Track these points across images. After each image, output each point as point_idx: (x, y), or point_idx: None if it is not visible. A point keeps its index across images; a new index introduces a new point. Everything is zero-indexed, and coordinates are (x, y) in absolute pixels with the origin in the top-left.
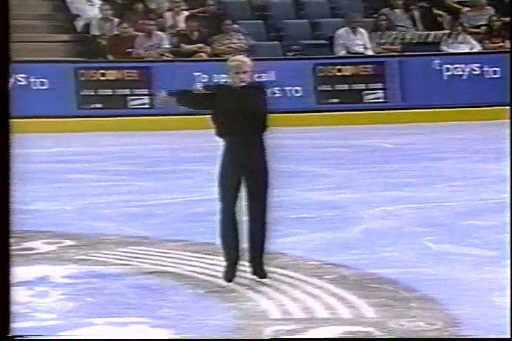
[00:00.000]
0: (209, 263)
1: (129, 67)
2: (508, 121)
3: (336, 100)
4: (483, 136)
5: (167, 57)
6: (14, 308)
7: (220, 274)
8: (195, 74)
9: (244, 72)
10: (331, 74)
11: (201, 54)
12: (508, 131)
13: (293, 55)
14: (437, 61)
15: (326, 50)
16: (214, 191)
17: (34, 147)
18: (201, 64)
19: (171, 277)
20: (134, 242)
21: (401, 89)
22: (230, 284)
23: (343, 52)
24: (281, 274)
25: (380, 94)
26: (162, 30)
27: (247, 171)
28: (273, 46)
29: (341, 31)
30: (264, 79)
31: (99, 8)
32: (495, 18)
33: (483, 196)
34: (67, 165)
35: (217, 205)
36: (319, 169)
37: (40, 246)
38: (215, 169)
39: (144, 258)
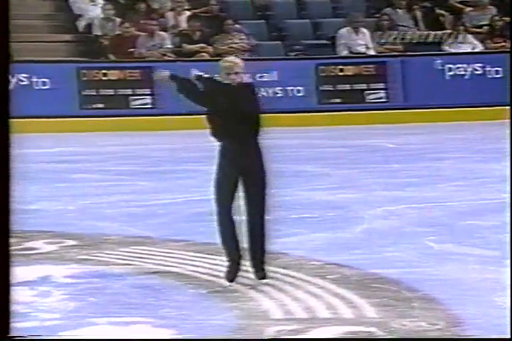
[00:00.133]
0: (211, 263)
1: (131, 67)
2: (508, 121)
3: (337, 100)
4: (485, 136)
5: (169, 57)
6: (16, 308)
7: (222, 274)
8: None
9: (236, 73)
10: (332, 74)
11: (203, 54)
12: (508, 131)
13: (295, 55)
14: (439, 61)
15: (328, 50)
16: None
17: (36, 147)
18: (203, 64)
19: (172, 277)
20: (136, 242)
21: (403, 89)
22: (232, 284)
23: (345, 52)
24: (283, 274)
25: (382, 94)
26: (164, 30)
27: (244, 172)
28: (275, 46)
29: (343, 31)
30: (266, 79)
31: (102, 8)
32: (497, 17)
33: (484, 196)
34: (68, 165)
35: (214, 206)
36: (321, 169)
37: (41, 246)
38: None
39: (146, 258)
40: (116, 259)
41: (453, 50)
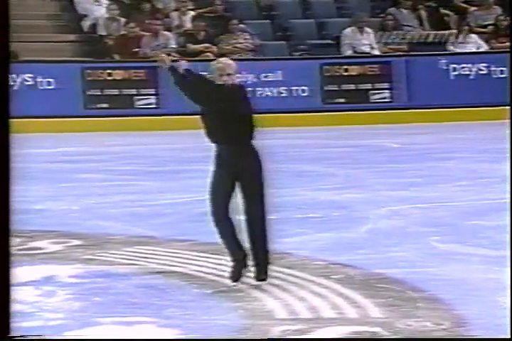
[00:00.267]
0: (215, 262)
1: (136, 66)
2: (508, 121)
3: (342, 100)
4: (489, 136)
5: (173, 57)
6: (21, 308)
7: (226, 274)
8: (202, 74)
9: (229, 75)
10: (337, 73)
11: (208, 54)
12: (508, 131)
13: (299, 55)
14: (444, 61)
15: (332, 50)
16: None
17: (40, 147)
18: (207, 64)
19: (177, 277)
20: (141, 242)
21: (407, 88)
22: (236, 284)
23: (349, 52)
24: (288, 274)
25: (387, 93)
26: (169, 30)
27: (239, 173)
28: (280, 46)
29: (348, 31)
30: (271, 79)
31: (106, 8)
32: (502, 17)
33: (488, 196)
34: (73, 165)
35: (209, 208)
36: (325, 169)
37: (46, 245)
38: None
39: (151, 258)
40: (120, 259)
41: (458, 50)
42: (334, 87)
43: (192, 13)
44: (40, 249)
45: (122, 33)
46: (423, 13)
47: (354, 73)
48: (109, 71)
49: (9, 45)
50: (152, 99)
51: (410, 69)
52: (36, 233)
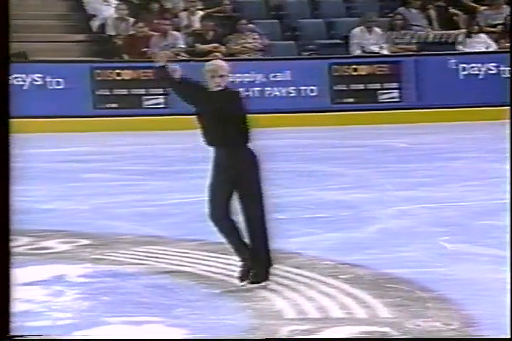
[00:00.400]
0: (224, 262)
1: (145, 66)
2: (508, 121)
3: (351, 100)
4: (499, 136)
5: (182, 56)
6: (30, 307)
7: (235, 274)
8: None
9: (220, 76)
10: (346, 73)
11: (216, 54)
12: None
13: (308, 55)
14: (453, 60)
15: (341, 50)
16: None
17: (50, 147)
18: None
19: (185, 276)
20: (149, 242)
21: (416, 88)
22: (244, 284)
23: (358, 52)
24: (296, 274)
25: (396, 93)
26: (177, 29)
27: (237, 175)
28: (288, 46)
29: (357, 31)
30: (280, 79)
31: (115, 8)
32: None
33: (498, 196)
34: (82, 165)
35: (207, 210)
36: (334, 169)
37: (55, 245)
38: None
39: (159, 258)
40: (129, 259)
41: (467, 50)
42: (343, 87)
43: (201, 12)
44: (48, 248)
45: (131, 32)
46: (432, 13)
47: (363, 73)
48: (118, 71)
49: (9, 45)
50: (161, 99)
51: (419, 69)
52: (45, 232)
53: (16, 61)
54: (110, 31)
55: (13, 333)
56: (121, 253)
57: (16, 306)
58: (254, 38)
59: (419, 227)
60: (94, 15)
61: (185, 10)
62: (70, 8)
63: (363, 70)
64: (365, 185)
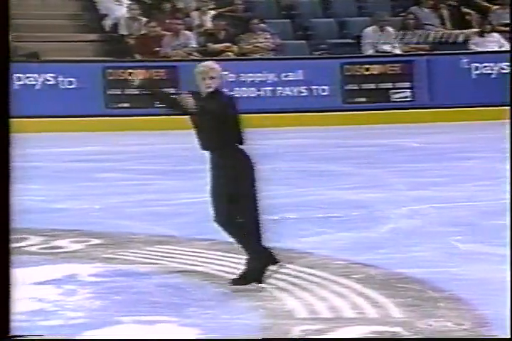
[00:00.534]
0: (236, 262)
1: (157, 66)
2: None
3: (363, 99)
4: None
5: (194, 56)
6: (43, 306)
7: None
8: (222, 73)
9: (211, 78)
10: (358, 73)
11: (228, 53)
12: (507, 131)
13: (320, 54)
14: (465, 60)
15: (353, 49)
16: None
17: (62, 146)
18: (228, 63)
19: (197, 276)
20: (161, 241)
21: (429, 88)
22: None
23: (370, 51)
24: (308, 273)
25: (408, 93)
26: (189, 29)
27: (232, 176)
28: (300, 45)
29: (369, 30)
30: (291, 78)
31: (127, 8)
32: None
33: (510, 196)
34: (94, 164)
35: (212, 213)
36: (346, 168)
37: (68, 244)
38: None
39: (171, 257)
40: (141, 258)
41: (479, 49)
42: (355, 87)
43: (212, 12)
44: (61, 247)
45: (143, 32)
46: (445, 12)
47: (375, 72)
48: (130, 70)
49: (9, 45)
50: None
51: (432, 69)
52: (57, 232)
53: (28, 61)
54: (122, 31)
55: (22, 332)
56: (134, 253)
57: (29, 305)
58: (266, 38)
59: (431, 227)
60: (106, 15)
61: (197, 9)
62: (82, 7)
63: (375, 70)
64: (377, 184)
